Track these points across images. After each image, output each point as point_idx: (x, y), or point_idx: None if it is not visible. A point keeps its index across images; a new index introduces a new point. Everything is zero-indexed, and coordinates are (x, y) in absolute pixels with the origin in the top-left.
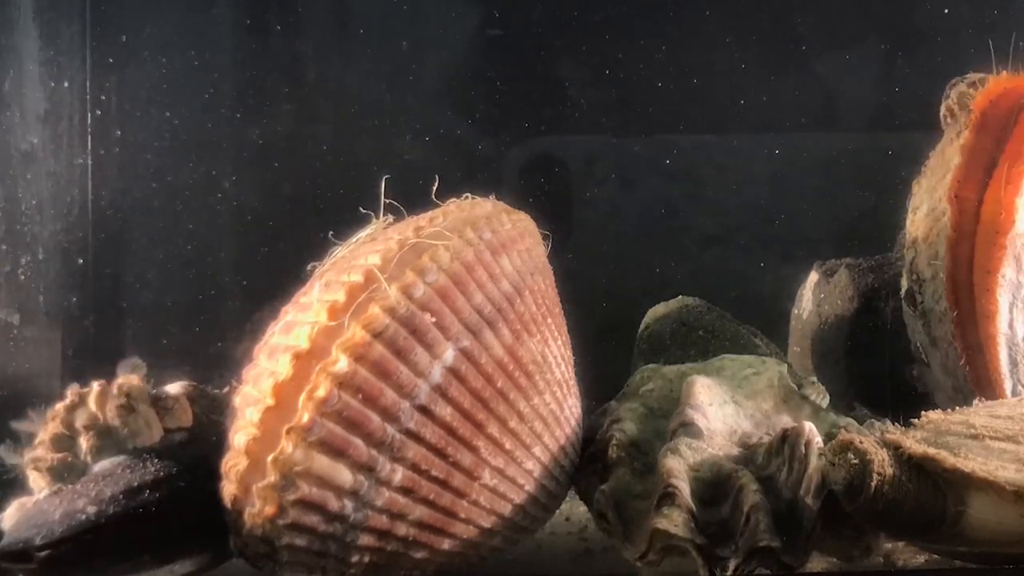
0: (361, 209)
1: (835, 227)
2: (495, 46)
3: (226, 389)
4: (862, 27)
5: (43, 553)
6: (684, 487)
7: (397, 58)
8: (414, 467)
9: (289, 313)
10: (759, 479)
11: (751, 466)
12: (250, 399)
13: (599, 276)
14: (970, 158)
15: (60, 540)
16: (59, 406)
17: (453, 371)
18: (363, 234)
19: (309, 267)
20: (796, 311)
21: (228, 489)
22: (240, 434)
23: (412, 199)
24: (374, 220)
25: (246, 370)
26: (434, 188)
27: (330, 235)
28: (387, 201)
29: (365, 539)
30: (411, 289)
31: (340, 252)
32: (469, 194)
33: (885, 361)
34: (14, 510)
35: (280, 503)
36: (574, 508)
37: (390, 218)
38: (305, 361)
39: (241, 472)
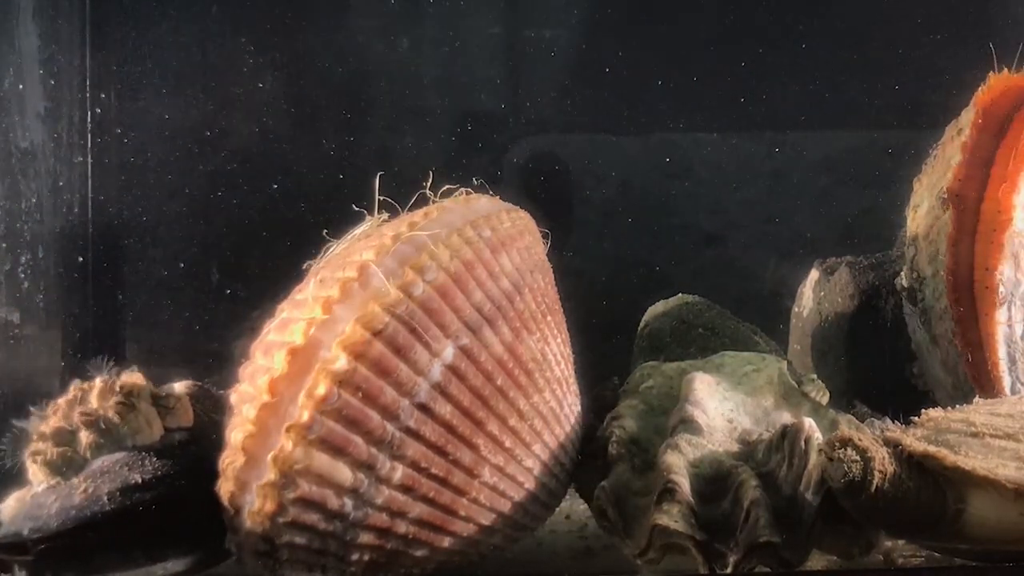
0: (355, 207)
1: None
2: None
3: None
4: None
5: (38, 546)
6: (684, 483)
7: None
8: (414, 465)
9: (285, 311)
10: (759, 475)
11: (751, 462)
12: (246, 396)
13: (599, 274)
14: (971, 156)
15: (55, 534)
16: (61, 400)
17: (453, 369)
18: (358, 231)
19: (305, 265)
20: (796, 309)
21: (225, 486)
22: (236, 431)
23: (408, 196)
24: (368, 217)
25: (242, 368)
26: (427, 184)
27: (324, 233)
28: (381, 198)
29: (365, 537)
30: (411, 287)
31: (335, 249)
32: (464, 190)
33: (885, 359)
34: (12, 502)
35: (280, 501)
36: (574, 506)
37: (385, 215)
38: (300, 356)
39: (238, 469)
